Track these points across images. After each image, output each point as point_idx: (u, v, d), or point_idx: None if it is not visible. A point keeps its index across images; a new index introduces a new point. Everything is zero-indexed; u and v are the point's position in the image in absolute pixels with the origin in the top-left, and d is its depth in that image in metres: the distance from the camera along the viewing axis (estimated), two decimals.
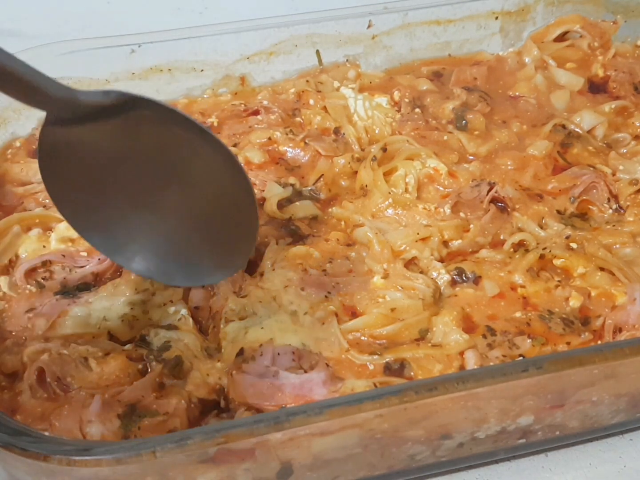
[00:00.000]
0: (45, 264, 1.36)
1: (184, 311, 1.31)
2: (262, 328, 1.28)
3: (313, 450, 1.11)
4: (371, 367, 1.25)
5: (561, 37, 1.96)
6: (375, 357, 1.25)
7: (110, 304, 1.28)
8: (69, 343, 1.23)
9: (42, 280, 1.34)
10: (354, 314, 1.32)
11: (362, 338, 1.29)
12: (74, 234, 1.38)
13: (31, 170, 1.57)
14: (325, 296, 1.32)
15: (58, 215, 1.37)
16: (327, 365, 1.23)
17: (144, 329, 1.28)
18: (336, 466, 1.17)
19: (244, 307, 1.31)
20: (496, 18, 1.94)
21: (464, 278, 1.39)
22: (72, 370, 1.20)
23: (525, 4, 1.95)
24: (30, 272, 1.35)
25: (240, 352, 1.24)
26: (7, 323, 1.30)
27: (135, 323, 1.28)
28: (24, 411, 1.17)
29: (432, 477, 1.28)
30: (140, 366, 1.22)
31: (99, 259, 1.36)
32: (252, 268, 1.40)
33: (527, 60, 1.89)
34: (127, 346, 1.25)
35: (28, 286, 1.33)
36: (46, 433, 1.10)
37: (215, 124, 1.70)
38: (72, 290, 1.33)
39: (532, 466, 1.31)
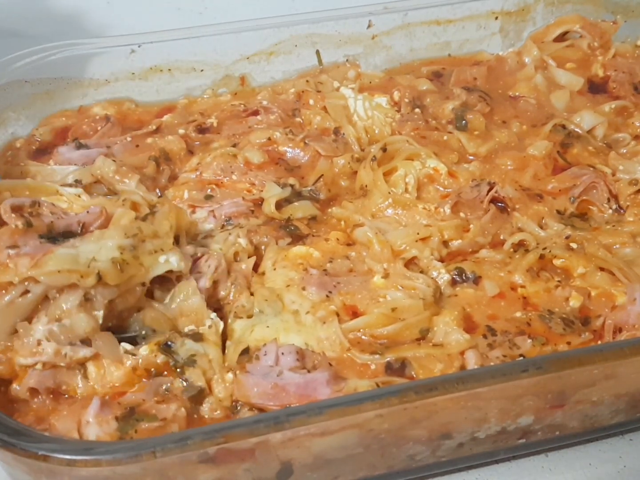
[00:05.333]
0: (34, 204, 1.29)
1: (213, 315, 1.30)
2: (268, 327, 1.28)
3: (313, 451, 1.11)
4: (373, 366, 1.25)
5: (561, 37, 1.97)
6: (377, 356, 1.25)
7: (98, 247, 1.23)
8: (61, 352, 1.19)
9: (29, 216, 1.25)
10: (355, 314, 1.32)
11: (363, 337, 1.29)
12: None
13: (30, 173, 1.54)
14: (327, 295, 1.33)
15: (48, 185, 1.39)
16: (330, 364, 1.23)
17: (135, 275, 1.24)
18: (336, 466, 1.17)
19: (252, 304, 1.31)
20: (496, 18, 1.93)
21: (464, 278, 1.39)
22: (65, 377, 1.18)
23: (525, 4, 1.95)
24: (17, 209, 1.27)
25: (245, 351, 1.25)
26: None
27: (125, 267, 1.23)
28: (19, 416, 1.16)
29: (432, 477, 1.28)
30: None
31: (88, 212, 1.31)
32: (255, 267, 1.41)
33: (527, 60, 1.89)
34: (147, 347, 1.23)
35: (14, 222, 1.23)
36: (46, 433, 1.11)
37: (215, 124, 1.70)
38: (58, 235, 1.26)
39: (532, 466, 1.31)
